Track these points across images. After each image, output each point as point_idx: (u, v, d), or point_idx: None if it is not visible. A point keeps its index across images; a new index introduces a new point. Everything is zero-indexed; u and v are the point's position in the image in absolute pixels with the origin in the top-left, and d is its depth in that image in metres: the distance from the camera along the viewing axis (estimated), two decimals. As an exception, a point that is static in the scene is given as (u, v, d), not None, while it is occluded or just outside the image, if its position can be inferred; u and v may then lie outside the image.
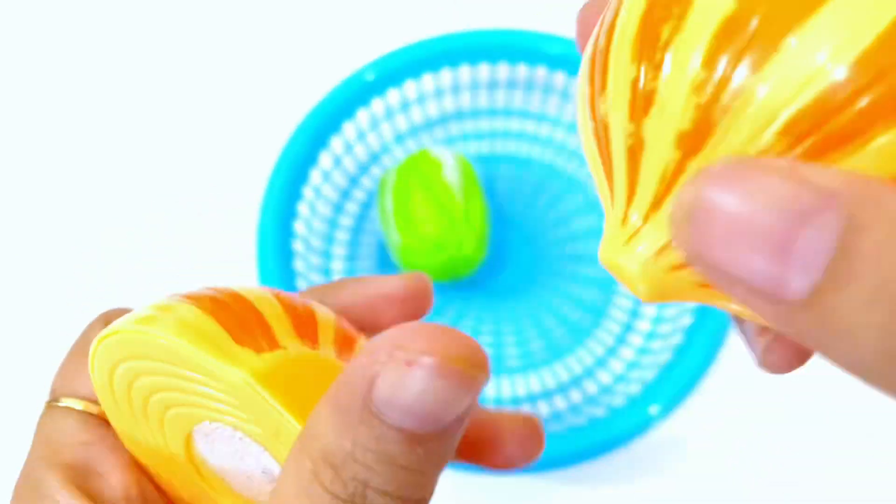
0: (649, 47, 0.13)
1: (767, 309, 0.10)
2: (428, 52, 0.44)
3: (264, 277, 0.40)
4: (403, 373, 0.13)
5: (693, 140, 0.12)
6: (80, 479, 0.19)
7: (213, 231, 0.46)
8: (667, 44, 0.12)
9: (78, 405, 0.20)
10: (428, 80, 0.45)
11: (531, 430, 0.21)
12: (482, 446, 0.21)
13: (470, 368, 0.14)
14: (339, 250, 0.46)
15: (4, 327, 0.45)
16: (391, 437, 0.14)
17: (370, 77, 0.44)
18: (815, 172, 0.10)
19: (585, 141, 0.15)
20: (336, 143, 0.45)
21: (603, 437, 0.37)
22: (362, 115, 0.45)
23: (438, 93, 0.46)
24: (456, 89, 0.46)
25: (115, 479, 0.19)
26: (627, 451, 0.38)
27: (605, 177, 0.14)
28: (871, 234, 0.10)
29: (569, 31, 0.45)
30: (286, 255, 0.41)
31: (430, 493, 0.15)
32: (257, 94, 0.50)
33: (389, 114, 0.46)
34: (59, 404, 0.20)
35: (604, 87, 0.14)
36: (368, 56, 0.44)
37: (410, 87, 0.45)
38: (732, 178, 0.10)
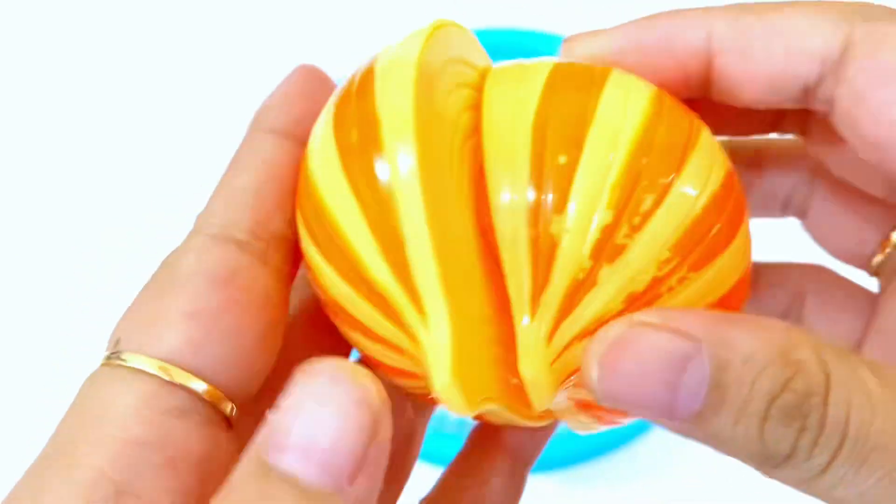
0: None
1: (667, 424, 0.14)
2: (428, 52, 0.44)
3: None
4: (292, 392, 0.12)
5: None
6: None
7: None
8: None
9: (152, 367, 0.14)
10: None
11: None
12: None
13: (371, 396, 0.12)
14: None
15: (4, 327, 0.45)
16: (280, 495, 0.12)
17: (370, 76, 0.44)
18: (682, 321, 0.14)
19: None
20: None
21: (603, 437, 0.37)
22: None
23: (438, 92, 0.46)
24: (456, 89, 0.46)
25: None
26: (628, 452, 0.38)
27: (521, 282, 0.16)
28: (730, 371, 0.13)
29: (569, 30, 0.45)
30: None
31: None
32: (257, 93, 0.50)
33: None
34: (125, 363, 0.14)
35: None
36: (368, 56, 0.44)
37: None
38: (623, 345, 0.14)
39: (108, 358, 0.15)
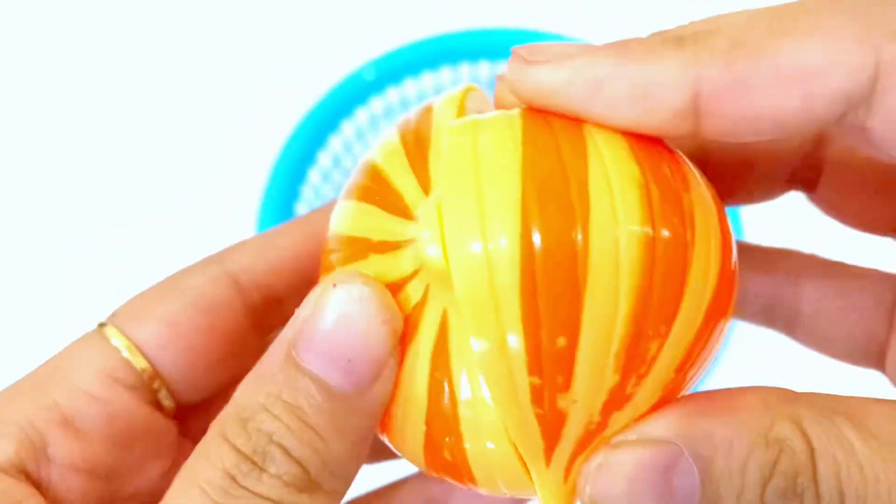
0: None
1: None
2: (428, 51, 0.44)
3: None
4: (322, 298, 0.14)
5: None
6: (37, 454, 0.17)
7: (211, 230, 0.46)
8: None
9: (122, 345, 0.18)
10: (427, 79, 0.45)
11: None
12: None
13: (387, 298, 0.14)
14: (339, 250, 0.46)
15: (5, 327, 0.45)
16: (305, 388, 0.14)
17: (369, 76, 0.44)
18: (654, 428, 0.14)
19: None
20: (335, 143, 0.45)
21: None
22: (361, 115, 0.45)
23: (438, 91, 0.46)
24: (455, 88, 0.46)
25: (77, 480, 0.17)
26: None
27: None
28: (716, 467, 0.13)
29: (569, 30, 0.45)
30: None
31: (330, 474, 0.14)
32: (256, 93, 0.50)
33: (389, 113, 0.46)
34: (107, 335, 0.18)
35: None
36: (368, 55, 0.44)
37: (410, 86, 0.45)
38: (608, 471, 0.14)
39: (101, 325, 0.19)
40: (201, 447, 0.14)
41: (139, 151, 0.49)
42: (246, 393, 0.14)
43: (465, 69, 0.45)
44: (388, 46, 0.44)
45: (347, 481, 0.15)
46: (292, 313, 0.15)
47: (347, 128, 0.45)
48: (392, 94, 0.45)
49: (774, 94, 0.13)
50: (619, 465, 0.14)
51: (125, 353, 0.18)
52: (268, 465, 0.13)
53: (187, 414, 0.20)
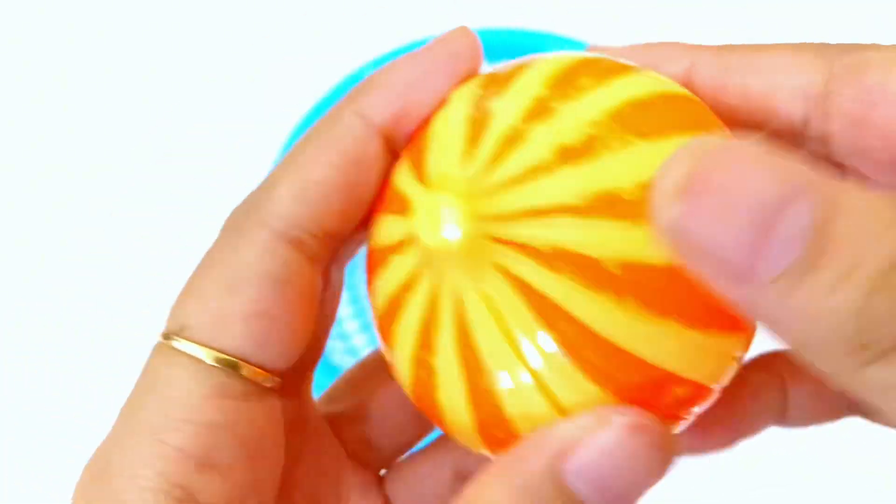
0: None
1: (732, 287, 0.11)
2: (428, 52, 0.44)
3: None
4: (597, 424, 0.13)
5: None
6: (186, 476, 0.15)
7: (213, 228, 0.46)
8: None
9: (208, 357, 0.16)
10: (428, 80, 0.45)
11: None
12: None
13: (661, 428, 0.14)
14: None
15: (5, 327, 0.45)
16: None
17: (370, 76, 0.44)
18: (792, 163, 0.11)
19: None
20: (335, 143, 0.45)
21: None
22: (362, 115, 0.45)
23: (438, 92, 0.46)
24: (456, 89, 0.46)
25: (236, 476, 0.16)
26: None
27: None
28: (842, 220, 0.10)
29: (569, 30, 0.46)
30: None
31: None
32: (257, 93, 0.50)
33: (389, 113, 0.46)
34: (193, 353, 0.16)
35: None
36: (368, 55, 0.44)
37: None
38: (726, 158, 0.11)
39: (172, 340, 0.16)
40: None
41: (141, 151, 0.49)
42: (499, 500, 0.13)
43: (465, 69, 0.45)
44: (389, 47, 0.44)
45: None
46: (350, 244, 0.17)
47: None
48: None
49: (744, 82, 0.16)
50: (734, 161, 0.11)
51: (213, 363, 0.16)
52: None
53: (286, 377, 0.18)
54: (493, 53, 0.45)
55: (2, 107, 0.51)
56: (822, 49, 0.16)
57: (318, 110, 0.43)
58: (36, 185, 0.49)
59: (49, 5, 0.53)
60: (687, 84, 0.17)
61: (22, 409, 0.43)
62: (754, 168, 0.11)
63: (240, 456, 0.16)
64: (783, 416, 0.19)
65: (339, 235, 0.17)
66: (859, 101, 0.15)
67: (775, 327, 0.11)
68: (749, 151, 0.11)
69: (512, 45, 0.44)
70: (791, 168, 0.11)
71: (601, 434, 0.13)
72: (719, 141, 0.11)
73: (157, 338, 0.17)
